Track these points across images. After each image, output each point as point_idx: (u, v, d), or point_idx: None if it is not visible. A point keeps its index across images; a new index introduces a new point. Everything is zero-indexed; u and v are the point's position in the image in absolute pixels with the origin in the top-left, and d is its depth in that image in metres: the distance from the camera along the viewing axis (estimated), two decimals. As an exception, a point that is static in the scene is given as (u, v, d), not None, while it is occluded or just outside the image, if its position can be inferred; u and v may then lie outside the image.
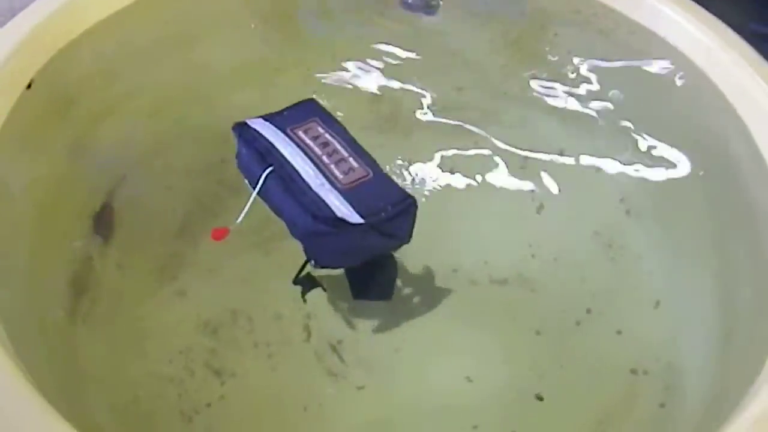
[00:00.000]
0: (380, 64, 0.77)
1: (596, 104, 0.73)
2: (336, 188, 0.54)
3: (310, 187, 0.54)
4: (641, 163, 0.70)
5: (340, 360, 0.63)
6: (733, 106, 0.62)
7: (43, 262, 0.57)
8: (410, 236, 0.57)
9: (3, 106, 0.57)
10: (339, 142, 0.57)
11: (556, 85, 0.74)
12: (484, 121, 0.76)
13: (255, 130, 0.58)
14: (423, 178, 0.75)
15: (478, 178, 0.74)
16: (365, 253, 0.58)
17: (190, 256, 0.68)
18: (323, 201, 0.53)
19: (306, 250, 0.57)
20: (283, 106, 0.62)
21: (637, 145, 0.71)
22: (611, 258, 0.69)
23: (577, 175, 0.73)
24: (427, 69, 0.77)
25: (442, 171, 0.75)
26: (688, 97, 0.66)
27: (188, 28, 0.72)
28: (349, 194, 0.54)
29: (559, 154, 0.74)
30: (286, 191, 0.54)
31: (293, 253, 0.58)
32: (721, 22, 0.65)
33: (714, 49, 0.64)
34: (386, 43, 0.76)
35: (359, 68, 0.77)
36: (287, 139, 0.57)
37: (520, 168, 0.74)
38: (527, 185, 0.74)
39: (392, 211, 0.54)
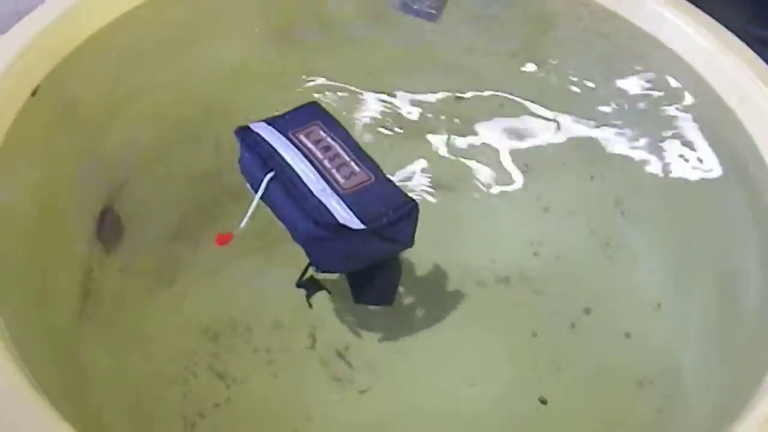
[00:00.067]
0: (382, 67, 0.77)
1: (597, 109, 0.73)
2: (337, 193, 0.54)
3: (311, 192, 0.54)
4: (641, 167, 0.70)
5: (347, 365, 0.64)
6: (733, 110, 0.62)
7: (47, 266, 0.57)
8: (413, 240, 0.57)
9: (8, 114, 0.57)
10: (341, 146, 0.57)
11: (557, 89, 0.74)
12: (485, 124, 0.76)
13: (257, 134, 0.58)
14: (428, 180, 0.75)
15: (480, 179, 0.75)
16: (367, 258, 0.57)
17: (191, 259, 0.68)
18: (324, 206, 0.53)
19: (308, 255, 0.57)
20: (286, 110, 0.62)
21: (637, 148, 0.71)
22: (609, 258, 0.70)
23: (577, 177, 0.74)
24: (428, 72, 0.77)
25: (447, 173, 0.76)
26: (688, 100, 0.66)
27: (192, 32, 0.72)
28: (350, 199, 0.53)
29: (559, 157, 0.74)
30: (287, 196, 0.54)
31: (295, 257, 0.58)
32: (720, 25, 0.65)
33: (714, 52, 0.64)
34: (387, 47, 0.76)
35: (363, 72, 0.77)
36: (289, 143, 0.57)
37: (521, 170, 0.75)
38: (529, 187, 0.74)
39: (394, 215, 0.54)
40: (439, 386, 0.64)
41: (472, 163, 0.76)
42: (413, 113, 0.77)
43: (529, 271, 0.70)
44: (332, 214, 0.53)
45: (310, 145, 0.57)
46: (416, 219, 0.56)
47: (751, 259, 0.59)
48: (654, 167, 0.69)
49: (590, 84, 0.73)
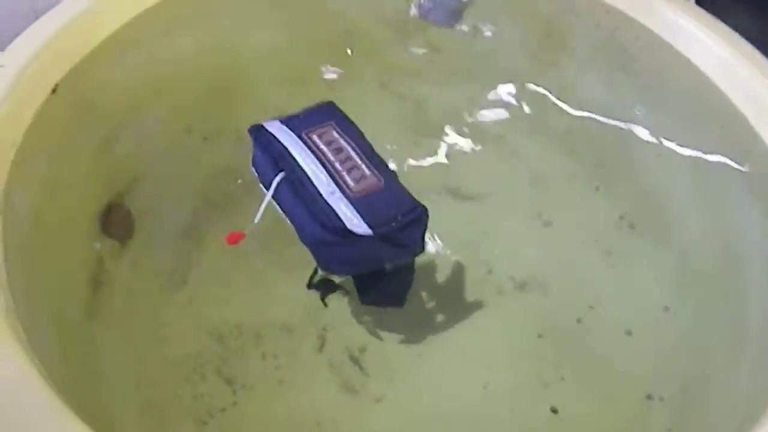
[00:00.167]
0: (403, 72, 0.77)
1: (610, 118, 0.73)
2: (347, 196, 0.53)
3: (320, 195, 0.54)
4: (648, 177, 0.70)
5: (358, 370, 0.63)
6: (749, 121, 0.61)
7: (61, 261, 0.58)
8: (423, 246, 0.57)
9: (28, 110, 0.57)
10: (353, 148, 0.57)
11: (572, 97, 0.74)
12: (496, 132, 0.77)
13: (270, 133, 0.58)
14: (447, 185, 0.75)
15: (490, 189, 0.75)
16: (376, 263, 0.57)
17: (203, 259, 0.68)
18: (333, 210, 0.53)
19: (315, 258, 0.57)
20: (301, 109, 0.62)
21: (645, 157, 0.70)
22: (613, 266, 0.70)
23: (585, 189, 0.74)
24: (444, 78, 0.77)
25: (467, 179, 0.76)
26: (702, 110, 0.66)
27: (210, 29, 0.72)
28: (359, 203, 0.53)
29: (570, 165, 0.75)
30: (296, 197, 0.54)
31: (308, 258, 0.58)
32: (737, 34, 0.64)
33: (730, 62, 0.63)
34: (408, 51, 0.77)
35: (384, 76, 0.78)
36: (301, 143, 0.57)
37: (532, 183, 0.75)
38: (539, 199, 0.74)
39: (402, 221, 0.54)
40: (452, 391, 0.64)
41: (490, 170, 0.76)
42: (433, 117, 0.78)
43: (543, 276, 0.70)
44: (340, 219, 0.53)
45: (322, 146, 0.57)
46: (425, 225, 0.56)
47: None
48: (663, 177, 0.69)
49: (605, 93, 0.73)
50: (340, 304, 0.66)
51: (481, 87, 0.77)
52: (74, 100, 0.62)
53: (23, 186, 0.55)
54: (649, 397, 0.62)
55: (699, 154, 0.66)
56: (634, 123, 0.71)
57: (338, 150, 0.57)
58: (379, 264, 0.58)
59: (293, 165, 0.55)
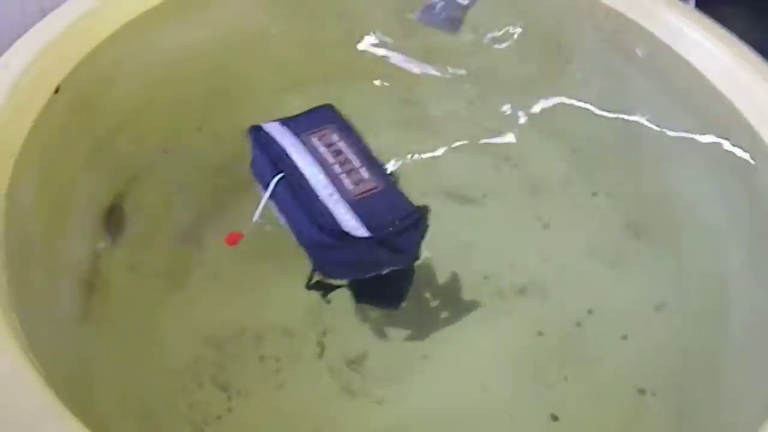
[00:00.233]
0: (402, 78, 0.78)
1: (612, 123, 0.73)
2: (345, 199, 0.54)
3: (318, 197, 0.54)
4: (647, 181, 0.71)
5: (357, 373, 0.63)
6: (752, 126, 0.61)
7: (56, 260, 0.58)
8: (419, 251, 0.57)
9: (30, 113, 0.57)
10: (352, 152, 0.57)
11: (571, 101, 0.74)
12: (495, 137, 0.77)
13: (269, 134, 0.58)
14: (446, 189, 0.75)
15: (489, 192, 0.75)
16: (372, 267, 0.57)
17: (200, 260, 0.68)
18: (330, 212, 0.53)
19: (312, 260, 0.57)
20: (299, 112, 0.62)
21: (651, 160, 0.71)
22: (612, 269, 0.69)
23: (584, 192, 0.74)
24: (447, 81, 0.77)
25: (467, 183, 0.76)
26: (703, 114, 0.66)
27: (211, 30, 0.72)
28: (357, 206, 0.53)
29: (569, 171, 0.75)
30: (294, 199, 0.55)
31: (307, 260, 0.58)
32: (739, 40, 0.64)
33: (730, 66, 0.63)
34: (409, 54, 0.77)
35: (380, 80, 0.78)
36: (301, 145, 0.57)
37: (529, 186, 0.75)
38: (538, 202, 0.74)
39: (400, 225, 0.54)
40: (451, 393, 0.63)
41: (484, 174, 0.76)
42: (433, 120, 0.78)
43: (539, 277, 0.70)
44: (337, 221, 0.53)
45: (322, 148, 0.57)
46: (423, 230, 0.56)
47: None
48: (663, 180, 0.69)
49: (606, 95, 0.73)
50: (340, 305, 0.66)
51: (481, 90, 0.77)
52: (76, 99, 0.62)
53: (26, 186, 0.55)
54: (641, 391, 0.62)
55: (699, 155, 0.66)
56: (635, 126, 0.71)
57: (337, 153, 0.57)
58: (377, 269, 0.58)
59: (292, 166, 0.56)
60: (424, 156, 0.76)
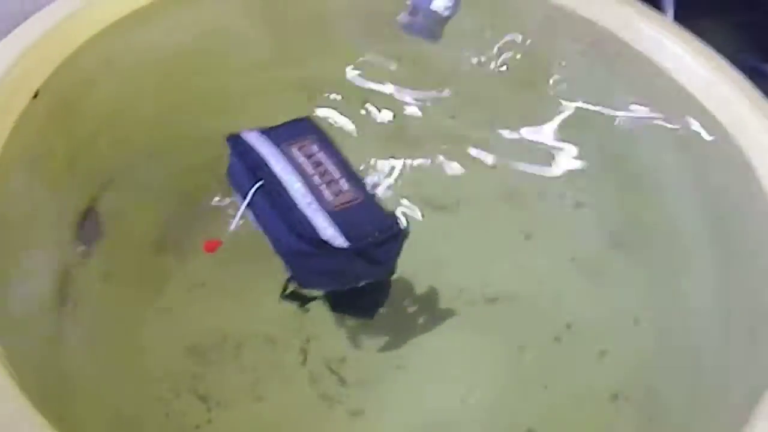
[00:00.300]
0: (377, 88, 0.77)
1: (589, 136, 0.73)
2: (324, 209, 0.54)
3: (297, 206, 0.54)
4: (628, 193, 0.71)
5: (338, 381, 0.63)
6: (736, 141, 0.61)
7: (31, 268, 0.57)
8: (395, 265, 0.57)
9: (10, 116, 0.57)
10: (332, 163, 0.57)
11: (551, 113, 0.74)
12: (476, 148, 0.77)
13: (248, 143, 0.58)
14: (421, 199, 0.75)
15: (473, 200, 0.75)
16: (349, 278, 0.57)
17: (179, 267, 0.67)
18: (309, 221, 0.53)
19: (289, 269, 0.57)
20: (281, 121, 0.62)
21: (629, 174, 0.71)
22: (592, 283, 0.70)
23: (565, 203, 0.74)
24: (424, 91, 0.77)
25: (441, 193, 0.76)
26: (686, 127, 0.66)
27: (192, 34, 0.72)
28: (337, 216, 0.53)
29: (549, 181, 0.75)
30: (273, 207, 0.54)
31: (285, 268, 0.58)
32: (718, 54, 0.65)
33: (713, 81, 0.64)
34: (386, 69, 0.77)
35: (359, 87, 0.77)
36: (280, 154, 0.57)
37: (513, 195, 0.75)
38: (518, 210, 0.75)
39: (380, 236, 0.54)
40: (430, 404, 0.64)
41: (465, 184, 0.76)
42: (408, 129, 0.77)
43: (517, 290, 0.70)
44: (315, 229, 0.53)
45: (301, 158, 0.57)
46: (402, 243, 0.56)
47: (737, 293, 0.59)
48: (641, 194, 0.70)
49: (586, 109, 0.73)
50: (323, 312, 0.66)
51: (462, 100, 0.77)
52: (55, 103, 0.62)
53: (3, 193, 0.55)
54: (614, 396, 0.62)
55: (680, 166, 0.67)
56: (616, 136, 0.71)
57: (317, 163, 0.57)
58: (353, 281, 0.58)
59: (271, 175, 0.56)
60: (403, 168, 0.77)
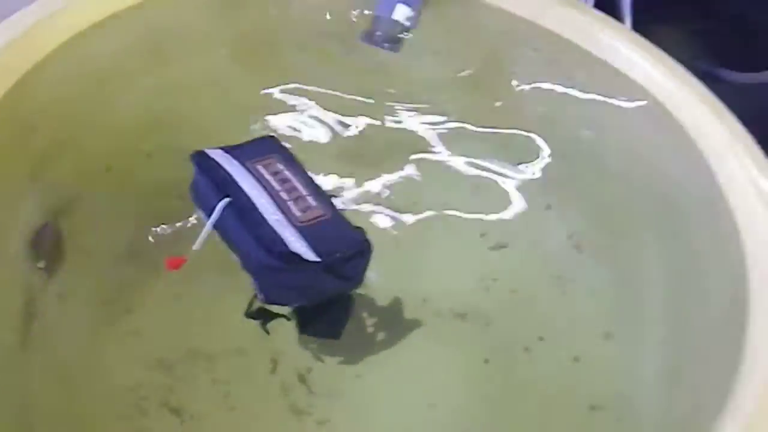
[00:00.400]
0: (344, 97, 0.77)
1: (553, 138, 0.74)
2: (293, 224, 0.53)
3: (266, 221, 0.53)
4: (596, 198, 0.71)
5: (308, 392, 0.63)
6: (689, 134, 0.63)
7: None
8: (362, 279, 0.57)
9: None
10: (298, 180, 0.57)
11: (514, 117, 0.75)
12: (441, 156, 0.77)
13: (214, 160, 0.57)
14: (386, 209, 0.75)
15: (436, 212, 0.75)
16: (317, 294, 0.57)
17: (146, 284, 0.67)
18: (279, 236, 0.53)
19: (257, 285, 0.56)
20: (249, 136, 0.62)
21: (597, 174, 0.71)
22: (563, 291, 0.70)
23: (533, 208, 0.74)
24: (387, 99, 0.77)
25: (402, 206, 0.76)
26: (649, 134, 0.67)
27: (155, 50, 0.71)
28: (305, 231, 0.53)
29: (516, 186, 0.75)
30: (241, 223, 0.54)
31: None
32: (675, 61, 0.66)
33: (672, 89, 0.65)
34: (349, 75, 0.76)
35: (323, 100, 0.77)
36: (246, 171, 0.56)
37: (479, 206, 0.75)
38: (484, 222, 0.75)
39: (348, 252, 0.54)
40: (395, 411, 0.64)
41: (431, 193, 0.76)
42: (372, 140, 0.77)
43: (485, 302, 0.70)
44: (285, 244, 0.52)
45: (267, 175, 0.56)
46: (368, 258, 0.56)
47: (697, 298, 0.60)
48: (609, 198, 0.70)
49: (546, 113, 0.74)
50: (289, 326, 0.65)
51: (425, 109, 0.78)
52: (13, 119, 0.60)
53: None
54: (592, 407, 0.63)
55: (641, 169, 0.68)
56: (579, 140, 0.72)
57: (284, 180, 0.56)
58: (322, 296, 0.58)
59: (237, 191, 0.55)
60: (367, 178, 0.77)
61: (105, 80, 0.68)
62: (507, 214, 0.75)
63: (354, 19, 0.71)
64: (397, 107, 0.77)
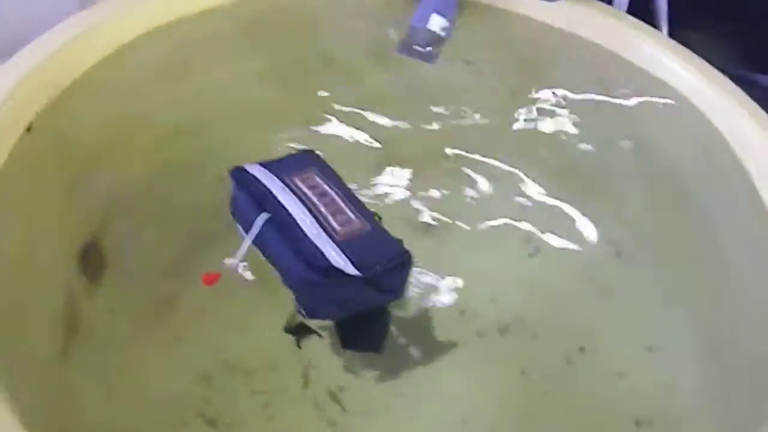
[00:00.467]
0: (379, 108, 0.77)
1: (591, 149, 0.73)
2: (332, 239, 0.53)
3: (306, 236, 0.53)
4: (637, 208, 0.70)
5: (341, 408, 0.63)
6: (734, 152, 0.62)
7: (33, 303, 0.56)
8: (404, 291, 0.57)
9: (2, 150, 0.55)
10: (337, 194, 0.57)
11: (554, 133, 0.74)
12: (472, 168, 0.77)
13: (252, 175, 0.58)
14: (424, 221, 0.75)
15: (474, 222, 0.75)
16: (357, 307, 0.57)
17: (185, 298, 0.67)
18: (319, 250, 0.53)
19: (298, 299, 0.56)
20: (282, 152, 0.62)
21: (635, 189, 0.71)
22: (604, 301, 0.69)
23: (572, 219, 0.74)
24: (423, 114, 0.77)
25: (437, 214, 0.76)
26: (687, 141, 0.66)
27: (187, 66, 0.71)
28: (345, 245, 0.53)
29: (553, 196, 0.75)
30: (281, 238, 0.54)
31: (291, 295, 0.57)
32: (715, 68, 0.65)
33: (713, 97, 0.64)
34: (382, 88, 0.76)
35: (357, 113, 0.77)
36: (285, 186, 0.57)
37: (517, 213, 0.75)
38: (524, 230, 0.74)
39: (388, 265, 0.54)
40: (430, 428, 0.63)
41: (467, 205, 0.76)
42: (408, 150, 0.77)
43: (525, 312, 0.70)
44: (327, 259, 0.52)
45: (306, 189, 0.57)
46: (409, 270, 0.56)
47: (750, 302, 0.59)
48: (651, 208, 0.69)
49: (586, 124, 0.73)
50: (320, 340, 0.66)
51: (461, 119, 0.77)
52: (50, 136, 0.61)
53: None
54: (638, 423, 0.62)
55: (681, 177, 0.67)
56: (620, 148, 0.71)
57: (322, 194, 0.57)
58: (363, 309, 0.57)
59: (277, 207, 0.55)
60: (401, 190, 0.77)
61: (141, 97, 0.68)
62: (546, 222, 0.74)
63: (389, 34, 0.71)
64: (434, 116, 0.77)
